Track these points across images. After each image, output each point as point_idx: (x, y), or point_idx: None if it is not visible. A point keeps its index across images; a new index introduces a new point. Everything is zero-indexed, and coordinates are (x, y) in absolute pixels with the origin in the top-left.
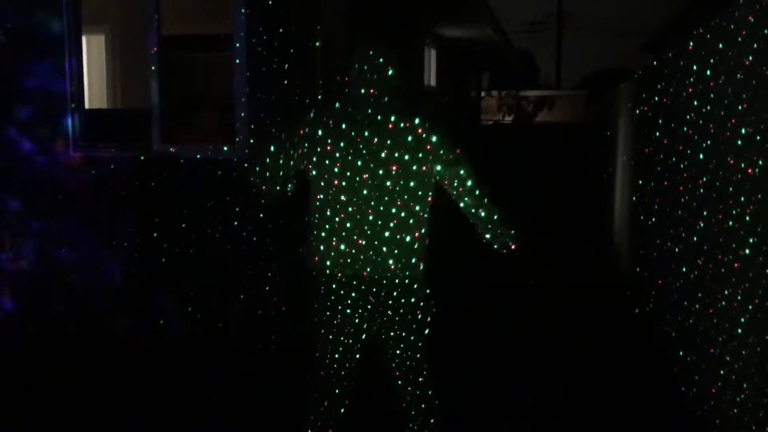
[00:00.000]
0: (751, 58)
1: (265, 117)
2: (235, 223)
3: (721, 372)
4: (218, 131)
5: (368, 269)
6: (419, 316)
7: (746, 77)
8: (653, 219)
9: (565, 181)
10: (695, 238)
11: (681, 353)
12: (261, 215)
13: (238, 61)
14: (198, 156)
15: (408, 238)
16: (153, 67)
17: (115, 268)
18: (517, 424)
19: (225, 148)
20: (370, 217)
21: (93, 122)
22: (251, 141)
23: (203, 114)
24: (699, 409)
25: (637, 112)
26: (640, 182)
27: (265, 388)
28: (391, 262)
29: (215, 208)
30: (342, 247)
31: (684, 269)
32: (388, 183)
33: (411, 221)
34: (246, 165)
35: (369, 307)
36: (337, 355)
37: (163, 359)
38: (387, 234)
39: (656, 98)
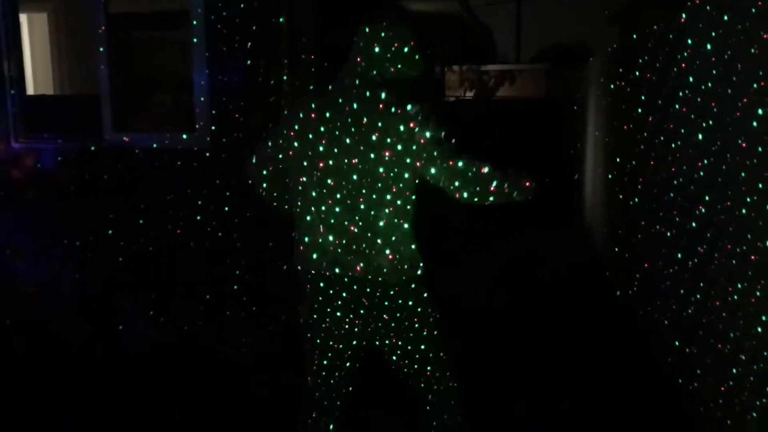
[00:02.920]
0: None
1: (227, 101)
2: (198, 218)
3: (734, 371)
4: (176, 118)
5: (360, 265)
6: (417, 323)
7: (763, 52)
8: (635, 199)
9: (528, 157)
10: (694, 224)
11: (677, 343)
12: (226, 208)
13: (195, 40)
14: (154, 145)
15: (404, 230)
16: (101, 49)
17: (66, 270)
18: (499, 410)
19: (184, 136)
20: (362, 206)
21: (37, 110)
22: (212, 128)
23: (159, 99)
24: (702, 406)
25: (612, 87)
26: (618, 160)
27: (234, 394)
28: (386, 255)
29: (175, 201)
30: (330, 238)
31: (679, 255)
32: (381, 169)
33: (406, 212)
34: (208, 155)
35: (362, 310)
36: (326, 362)
37: (122, 368)
38: (381, 224)
39: (637, 73)
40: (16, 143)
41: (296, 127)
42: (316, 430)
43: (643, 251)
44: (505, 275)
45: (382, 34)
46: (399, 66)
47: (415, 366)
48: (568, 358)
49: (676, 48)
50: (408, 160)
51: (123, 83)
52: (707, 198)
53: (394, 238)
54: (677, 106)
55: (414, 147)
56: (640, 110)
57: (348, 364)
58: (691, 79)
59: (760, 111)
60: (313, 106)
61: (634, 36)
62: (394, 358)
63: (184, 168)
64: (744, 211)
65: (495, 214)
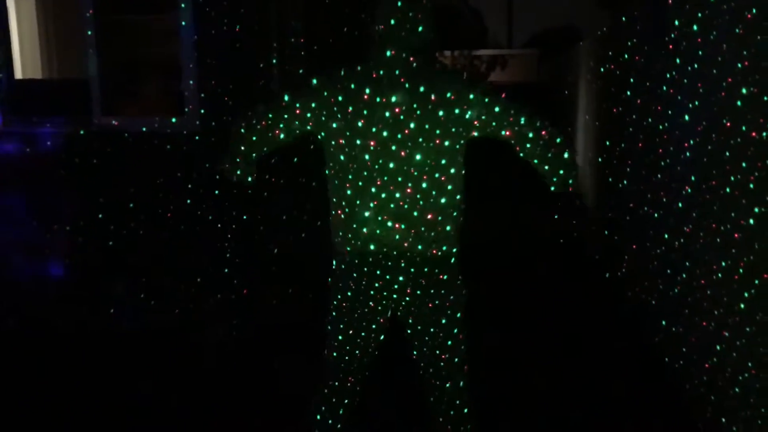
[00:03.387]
0: (754, 11)
1: (216, 84)
2: (188, 201)
3: (718, 347)
4: (166, 101)
5: (396, 248)
6: (452, 297)
7: (747, 32)
8: (624, 181)
9: None
10: (681, 204)
11: (663, 323)
12: (216, 192)
13: (183, 23)
14: (144, 129)
15: (440, 218)
16: (89, 32)
17: (56, 254)
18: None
19: (173, 120)
20: (397, 194)
21: (25, 94)
22: (201, 111)
23: (148, 83)
24: (688, 382)
25: (602, 70)
26: (608, 143)
27: (224, 378)
28: (421, 242)
29: (165, 185)
30: (370, 225)
31: (666, 236)
32: (418, 157)
33: (443, 201)
34: (198, 138)
35: (396, 286)
36: (358, 339)
37: (113, 351)
38: (416, 214)
39: (626, 56)
40: (3, 127)
41: (327, 116)
42: (329, 408)
43: (631, 232)
44: (496, 255)
45: (413, 5)
46: (428, 33)
47: (442, 344)
48: (558, 338)
49: (663, 29)
50: (447, 144)
51: (112, 67)
52: (693, 178)
53: (430, 227)
54: (665, 88)
55: (454, 129)
56: (628, 93)
57: (377, 340)
58: (678, 60)
59: (743, 90)
60: (343, 99)
61: (623, 18)
62: (427, 338)
63: (173, 151)
64: (728, 189)
65: (486, 197)
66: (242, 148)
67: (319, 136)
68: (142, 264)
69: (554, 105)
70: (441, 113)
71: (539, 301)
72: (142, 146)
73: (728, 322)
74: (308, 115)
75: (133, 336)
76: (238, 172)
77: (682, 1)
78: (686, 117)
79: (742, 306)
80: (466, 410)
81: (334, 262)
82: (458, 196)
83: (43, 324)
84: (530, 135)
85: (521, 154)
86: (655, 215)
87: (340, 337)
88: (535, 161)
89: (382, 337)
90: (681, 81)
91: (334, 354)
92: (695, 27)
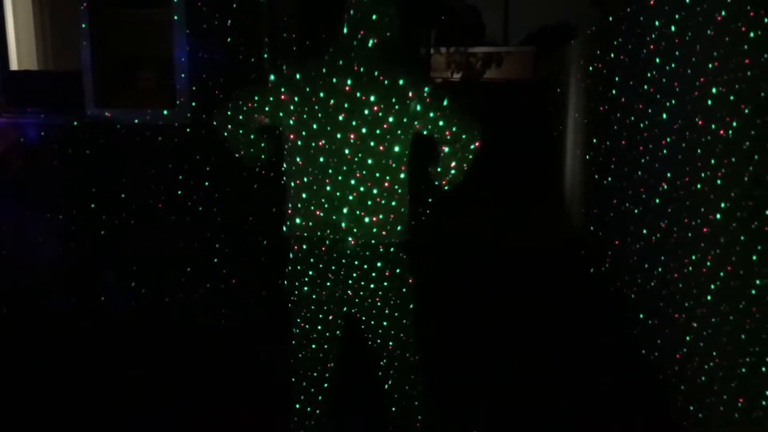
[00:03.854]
0: (723, 13)
1: (208, 78)
2: (179, 192)
3: (687, 338)
4: (158, 94)
5: (350, 236)
6: (403, 288)
7: (718, 34)
8: (609, 178)
9: (515, 139)
10: (657, 200)
11: (641, 316)
12: (207, 183)
13: (176, 17)
14: (136, 121)
15: (393, 204)
16: (83, 25)
17: (50, 243)
18: (473, 392)
19: (165, 113)
20: (352, 181)
21: (20, 85)
22: (193, 104)
23: (142, 75)
24: (662, 373)
25: (591, 69)
26: (594, 141)
27: (212, 368)
28: (375, 229)
29: (156, 176)
30: (322, 212)
31: (645, 231)
32: (372, 143)
33: (396, 186)
34: (189, 130)
35: (350, 280)
36: (315, 335)
37: (105, 339)
38: (370, 201)
39: (612, 55)
40: None
41: (287, 97)
42: (306, 400)
43: (614, 228)
44: (486, 251)
45: (377, 2)
46: (389, 33)
47: (386, 332)
48: (545, 331)
49: (646, 30)
50: (399, 132)
51: (105, 59)
52: (669, 175)
53: (384, 213)
54: (646, 87)
55: (405, 120)
56: (614, 91)
57: (337, 333)
58: (657, 60)
59: (713, 90)
60: (301, 80)
61: (610, 18)
62: (380, 330)
63: (165, 143)
64: (699, 185)
65: (476, 191)
66: (234, 116)
67: (277, 114)
68: (133, 254)
69: (547, 102)
70: (393, 100)
71: (525, 297)
72: (134, 138)
73: (697, 314)
74: (281, 98)
75: (124, 324)
76: (250, 142)
77: (662, 2)
78: (664, 115)
79: (709, 298)
80: (417, 402)
81: (290, 253)
82: (404, 186)
83: (36, 312)
84: (463, 138)
85: (435, 136)
86: (635, 211)
87: (296, 334)
88: (446, 150)
89: (338, 333)
90: (660, 80)
91: (294, 342)
92: (673, 28)
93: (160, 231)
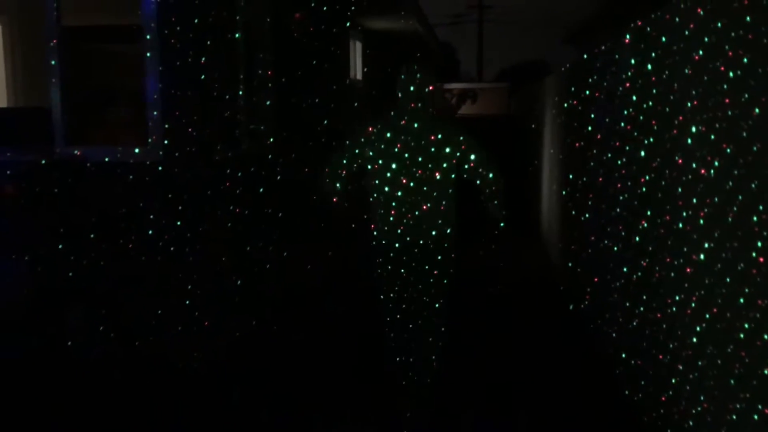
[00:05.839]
0: (701, 52)
1: (181, 115)
2: (150, 232)
3: (673, 381)
4: (131, 131)
5: (416, 237)
6: (448, 271)
7: (696, 73)
8: (587, 215)
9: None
10: (637, 238)
11: (624, 355)
12: (178, 223)
13: (149, 54)
14: (107, 159)
15: (439, 216)
16: (53, 62)
17: (16, 284)
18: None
19: (137, 150)
20: (413, 196)
21: None
22: (165, 142)
23: (114, 112)
24: (646, 416)
25: (566, 105)
26: (570, 176)
27: (186, 409)
28: (432, 232)
29: (128, 216)
30: (399, 221)
31: (625, 269)
32: (428, 172)
33: (445, 202)
34: (161, 168)
35: (414, 264)
36: (396, 296)
37: (73, 383)
38: (429, 212)
39: (587, 92)
40: None
41: (375, 145)
42: (404, 342)
43: (593, 265)
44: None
45: (425, 80)
46: (428, 99)
47: (433, 305)
48: (523, 370)
49: (622, 68)
50: (445, 164)
51: (76, 96)
52: (649, 213)
53: (438, 221)
54: (622, 124)
55: (448, 150)
56: (590, 128)
57: (411, 296)
58: (634, 98)
59: (693, 128)
60: (388, 135)
61: (585, 56)
62: (426, 297)
63: (136, 182)
64: (681, 224)
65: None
66: (338, 171)
67: (365, 161)
68: (103, 295)
69: (523, 138)
70: (433, 148)
71: (502, 332)
72: (105, 176)
73: (682, 356)
74: (358, 152)
75: (93, 366)
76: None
77: (638, 41)
78: (642, 153)
79: (695, 340)
80: (438, 342)
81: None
82: (452, 202)
83: (2, 353)
84: (484, 176)
85: (466, 176)
86: (615, 248)
87: (385, 301)
88: (477, 183)
89: (410, 296)
90: (637, 118)
91: (392, 329)
92: (649, 66)
93: (130, 272)
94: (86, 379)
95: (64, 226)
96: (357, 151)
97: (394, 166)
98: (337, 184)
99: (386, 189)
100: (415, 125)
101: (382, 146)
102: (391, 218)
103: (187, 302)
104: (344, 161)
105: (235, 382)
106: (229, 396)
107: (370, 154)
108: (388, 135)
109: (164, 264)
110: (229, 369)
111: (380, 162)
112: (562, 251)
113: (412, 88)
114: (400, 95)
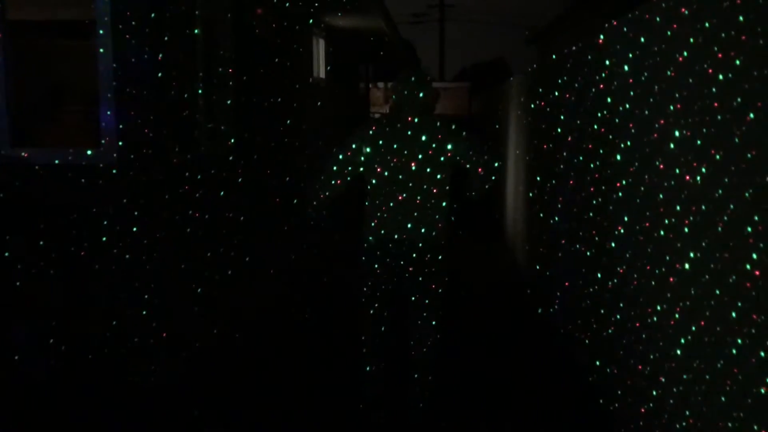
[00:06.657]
0: (686, 54)
1: (136, 115)
2: (104, 239)
3: (654, 393)
4: (83, 132)
5: (407, 233)
6: (439, 269)
7: (680, 75)
8: (556, 218)
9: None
10: (613, 244)
11: (597, 363)
12: (134, 229)
13: (102, 50)
14: (57, 161)
15: (435, 213)
16: None
17: None
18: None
19: (89, 152)
20: (411, 194)
21: None
22: (120, 143)
23: (66, 109)
24: (623, 427)
25: (533, 106)
26: (538, 178)
27: (142, 428)
28: (423, 229)
29: (80, 221)
30: (392, 217)
31: (599, 275)
32: (427, 170)
33: (437, 200)
34: (115, 171)
35: (403, 261)
36: (379, 294)
37: (20, 399)
38: (420, 210)
39: (556, 93)
40: None
41: (373, 143)
42: (379, 349)
43: (563, 270)
44: None
45: (422, 82)
46: (428, 97)
47: (428, 304)
48: (489, 376)
49: (595, 69)
50: (441, 159)
51: (24, 95)
52: (626, 218)
53: (429, 217)
54: (596, 127)
55: (456, 146)
56: (559, 129)
57: (389, 312)
58: (609, 99)
59: (676, 133)
60: (388, 130)
61: (554, 56)
62: (418, 295)
63: (88, 185)
64: (662, 232)
65: None
66: (321, 196)
67: (361, 169)
68: (52, 306)
69: (485, 138)
70: (434, 145)
71: (467, 334)
72: (55, 180)
73: (665, 368)
74: (358, 160)
75: (42, 381)
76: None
77: (613, 42)
78: (618, 156)
79: (679, 352)
80: (435, 336)
81: (364, 245)
82: (445, 201)
83: None
84: (481, 161)
85: (467, 166)
86: (587, 253)
87: (366, 300)
88: (472, 171)
89: (394, 315)
90: (612, 120)
91: (368, 312)
92: (626, 67)
93: (82, 281)
94: (35, 395)
95: (10, 233)
96: (349, 159)
97: (392, 165)
98: (323, 210)
99: (384, 189)
100: (415, 126)
101: (381, 148)
102: (386, 215)
103: (144, 312)
104: (332, 181)
105: (195, 398)
106: (189, 413)
107: (368, 151)
108: (387, 136)
109: (119, 272)
110: (189, 383)
111: (378, 162)
112: (528, 253)
113: (406, 92)
114: (395, 98)
